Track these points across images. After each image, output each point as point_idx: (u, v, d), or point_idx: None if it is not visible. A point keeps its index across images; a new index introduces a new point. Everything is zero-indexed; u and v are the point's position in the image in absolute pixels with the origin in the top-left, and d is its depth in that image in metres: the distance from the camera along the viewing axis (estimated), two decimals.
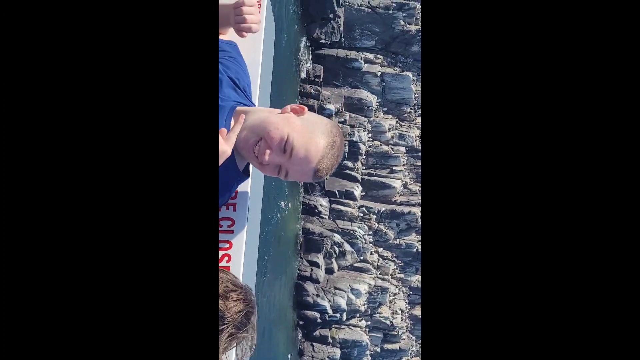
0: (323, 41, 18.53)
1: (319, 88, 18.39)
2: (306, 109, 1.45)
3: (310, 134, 1.36)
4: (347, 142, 17.28)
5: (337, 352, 18.73)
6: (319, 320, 18.25)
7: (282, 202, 16.41)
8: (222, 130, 1.38)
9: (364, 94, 19.13)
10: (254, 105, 1.72)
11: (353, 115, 18.93)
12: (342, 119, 18.32)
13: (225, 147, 1.33)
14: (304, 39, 18.12)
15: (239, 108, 1.56)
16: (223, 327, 1.20)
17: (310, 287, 18.08)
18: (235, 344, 1.28)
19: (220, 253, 1.69)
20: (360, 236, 19.15)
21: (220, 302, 1.21)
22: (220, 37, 1.77)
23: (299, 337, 18.39)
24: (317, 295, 18.14)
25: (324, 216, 18.98)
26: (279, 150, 1.36)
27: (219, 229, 1.70)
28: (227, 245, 1.71)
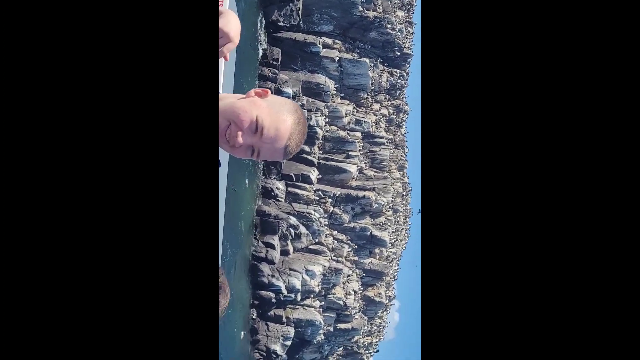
0: (281, 24, 18.41)
1: (276, 71, 18.30)
2: (269, 91, 1.62)
3: (277, 114, 1.47)
4: None
5: (291, 331, 19.00)
6: (273, 300, 18.42)
7: (233, 187, 16.39)
8: None
9: (321, 78, 19.17)
10: (218, 92, 1.87)
11: (310, 99, 18.99)
12: (300, 103, 18.34)
13: None
14: (262, 20, 17.94)
15: None
16: None
17: (265, 268, 18.21)
18: None
19: None
20: (315, 219, 19.36)
21: None
22: None
23: (254, 317, 18.57)
24: (272, 276, 18.29)
25: (280, 199, 19.07)
26: (250, 132, 1.45)
27: None
28: None
